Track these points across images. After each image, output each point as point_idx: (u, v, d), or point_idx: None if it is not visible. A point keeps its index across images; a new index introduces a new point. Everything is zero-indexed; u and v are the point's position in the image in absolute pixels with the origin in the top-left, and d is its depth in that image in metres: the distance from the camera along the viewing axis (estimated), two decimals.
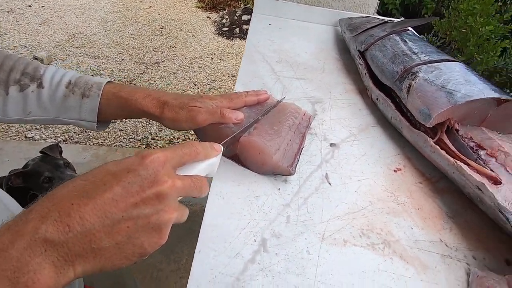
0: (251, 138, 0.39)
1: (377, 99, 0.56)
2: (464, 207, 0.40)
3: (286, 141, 0.41)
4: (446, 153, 0.41)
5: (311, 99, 0.58)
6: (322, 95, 0.60)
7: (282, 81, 0.62)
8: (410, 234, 0.36)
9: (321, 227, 0.36)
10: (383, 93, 0.54)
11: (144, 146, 1.89)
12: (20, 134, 1.97)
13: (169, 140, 1.93)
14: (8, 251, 0.19)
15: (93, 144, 1.92)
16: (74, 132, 2.01)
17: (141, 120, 2.09)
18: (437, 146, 0.42)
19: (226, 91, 2.28)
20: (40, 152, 1.04)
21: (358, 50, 0.66)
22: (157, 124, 2.04)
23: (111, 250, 0.22)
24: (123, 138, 1.97)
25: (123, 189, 0.23)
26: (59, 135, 1.99)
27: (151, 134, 1.99)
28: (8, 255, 0.19)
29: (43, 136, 1.98)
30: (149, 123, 2.07)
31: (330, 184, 0.41)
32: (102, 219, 0.22)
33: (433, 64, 0.50)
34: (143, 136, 1.97)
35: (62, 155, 1.12)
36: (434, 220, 0.38)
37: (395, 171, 0.45)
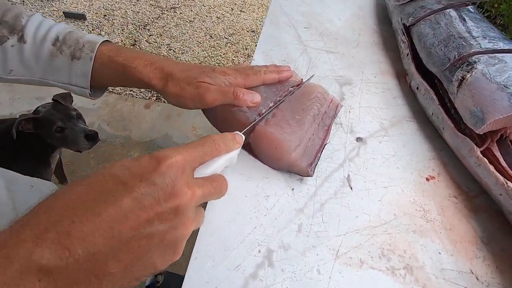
0: (268, 130, 0.33)
1: (417, 88, 0.48)
2: (503, 232, 0.35)
3: (308, 135, 0.34)
4: (495, 168, 0.35)
5: (340, 79, 0.50)
6: (353, 74, 0.52)
7: (308, 53, 0.54)
8: (437, 260, 0.32)
9: (336, 241, 0.31)
10: (426, 82, 0.46)
11: (154, 98, 1.83)
12: None
13: None
14: None
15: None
16: None
17: None
18: (485, 159, 0.36)
19: (244, 47, 2.15)
20: (52, 99, 1.00)
21: (403, 24, 0.55)
22: None
23: (118, 275, 0.19)
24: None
25: (134, 202, 0.19)
26: None
27: None
28: None
29: None
30: None
31: (351, 188, 0.36)
32: (109, 240, 0.18)
33: (497, 55, 0.41)
34: None
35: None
36: (466, 246, 0.33)
37: (427, 179, 0.39)
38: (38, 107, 0.97)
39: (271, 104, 0.36)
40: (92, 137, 0.91)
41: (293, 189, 0.34)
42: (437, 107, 0.43)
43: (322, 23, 0.61)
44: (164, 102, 1.83)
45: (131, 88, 1.89)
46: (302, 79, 0.42)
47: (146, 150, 1.56)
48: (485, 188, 0.37)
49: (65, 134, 0.88)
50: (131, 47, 2.10)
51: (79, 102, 1.74)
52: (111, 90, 1.86)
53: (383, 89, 0.50)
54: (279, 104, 0.36)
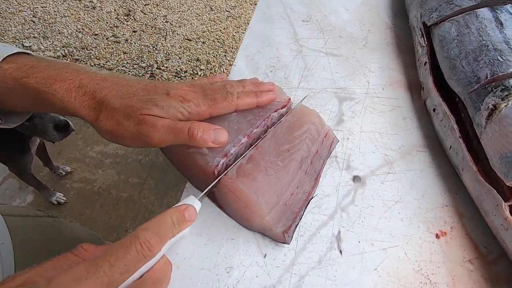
0: (236, 185, 0.25)
1: (434, 109, 0.39)
2: None
3: (290, 190, 0.27)
4: None
5: (340, 92, 0.41)
6: (356, 86, 0.42)
7: (304, 55, 0.44)
8: None
9: None
10: (446, 104, 0.37)
11: (148, 75, 1.73)
12: (17, 41, 1.82)
13: (176, 73, 1.76)
14: None
15: (94, 64, 1.77)
16: (74, 48, 1.85)
17: (147, 44, 1.89)
18: None
19: (246, 22, 1.99)
20: None
21: (423, 22, 0.45)
22: (164, 51, 1.84)
23: None
24: (127, 62, 1.81)
25: None
26: (58, 48, 1.83)
27: (157, 63, 1.81)
28: None
29: (42, 47, 1.83)
30: (156, 48, 1.88)
31: (341, 252, 0.28)
32: None
33: None
34: (148, 64, 1.80)
35: None
36: None
37: (437, 236, 0.31)
38: None
39: (243, 140, 0.28)
40: (62, 128, 0.82)
41: (265, 256, 0.27)
42: (457, 141, 0.34)
43: (325, 15, 0.50)
44: (159, 79, 1.73)
45: (124, 64, 1.78)
46: (289, 100, 0.33)
47: None
48: (510, 257, 0.29)
49: (33, 123, 0.80)
50: (125, 17, 1.96)
51: None
52: (102, 65, 1.75)
53: (391, 106, 0.41)
54: (256, 144, 0.28)
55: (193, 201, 0.22)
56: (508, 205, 0.29)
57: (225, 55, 1.83)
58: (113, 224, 1.24)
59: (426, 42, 0.44)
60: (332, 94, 0.41)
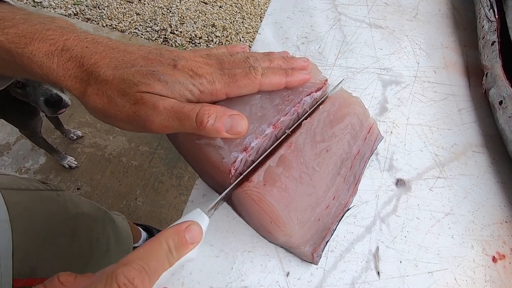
0: (263, 196, 0.19)
1: (500, 102, 0.32)
2: None
3: (326, 202, 0.21)
4: None
5: (384, 73, 0.34)
6: (403, 66, 0.35)
7: (343, 25, 0.37)
8: None
9: None
10: None
11: (161, 40, 1.65)
12: None
13: (190, 39, 1.67)
14: None
15: (106, 25, 1.69)
16: (86, 6, 1.77)
17: (161, 5, 1.79)
18: None
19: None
20: None
21: None
22: (179, 14, 1.74)
23: None
24: (139, 24, 1.73)
25: None
26: (70, 6, 1.76)
27: (171, 27, 1.72)
28: None
29: (53, 3, 1.76)
30: (170, 11, 1.77)
31: (378, 274, 0.24)
32: None
33: None
34: (161, 27, 1.71)
35: None
36: None
37: (494, 259, 0.26)
38: None
39: (268, 131, 0.22)
40: (52, 104, 0.74)
41: (288, 274, 0.22)
42: None
43: None
44: (172, 44, 1.65)
45: (136, 26, 1.70)
46: (326, 81, 0.27)
47: None
48: None
49: (26, 92, 0.74)
50: None
51: None
52: (114, 26, 1.68)
53: (445, 94, 0.34)
54: (284, 137, 0.22)
55: (198, 216, 0.17)
56: None
57: (242, 22, 1.72)
58: (123, 191, 1.24)
59: (496, 16, 0.35)
60: (375, 75, 0.34)
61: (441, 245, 0.26)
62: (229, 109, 0.19)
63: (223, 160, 0.20)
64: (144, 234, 0.88)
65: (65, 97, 0.79)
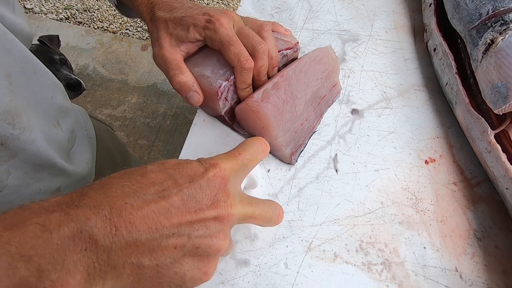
0: (261, 108, 0.27)
1: (434, 49, 0.40)
2: (500, 227, 0.32)
3: (301, 120, 0.29)
4: (507, 158, 0.30)
5: (343, 34, 0.42)
6: (359, 28, 0.43)
7: None
8: (420, 255, 0.29)
9: (311, 232, 0.28)
10: (447, 43, 0.38)
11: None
12: (19, 2, 1.79)
13: None
14: (52, 233, 0.16)
15: (97, 28, 1.75)
16: (77, 10, 1.82)
17: None
18: (498, 146, 0.30)
19: None
20: (38, 40, 0.92)
21: None
22: None
23: (148, 272, 0.19)
24: (130, 25, 1.79)
25: (181, 202, 0.19)
26: (60, 10, 1.81)
27: None
28: (50, 239, 0.16)
29: (44, 9, 1.81)
30: None
31: (336, 171, 0.31)
32: (151, 232, 0.18)
33: None
34: None
35: (64, 35, 1.01)
36: (456, 240, 0.30)
37: (426, 162, 0.34)
38: None
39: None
40: (73, 87, 0.83)
41: (269, 171, 0.30)
42: (454, 76, 0.36)
43: None
44: None
45: (127, 27, 1.76)
46: (298, 42, 0.35)
47: (145, 96, 1.51)
48: (491, 178, 0.32)
49: None
50: None
51: (73, 41, 1.64)
52: (105, 28, 1.74)
53: (393, 48, 0.42)
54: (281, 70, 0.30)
55: None
56: (494, 133, 0.31)
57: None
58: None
59: None
60: (336, 35, 0.42)
61: (386, 153, 0.34)
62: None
63: (212, 85, 0.28)
64: None
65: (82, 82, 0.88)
